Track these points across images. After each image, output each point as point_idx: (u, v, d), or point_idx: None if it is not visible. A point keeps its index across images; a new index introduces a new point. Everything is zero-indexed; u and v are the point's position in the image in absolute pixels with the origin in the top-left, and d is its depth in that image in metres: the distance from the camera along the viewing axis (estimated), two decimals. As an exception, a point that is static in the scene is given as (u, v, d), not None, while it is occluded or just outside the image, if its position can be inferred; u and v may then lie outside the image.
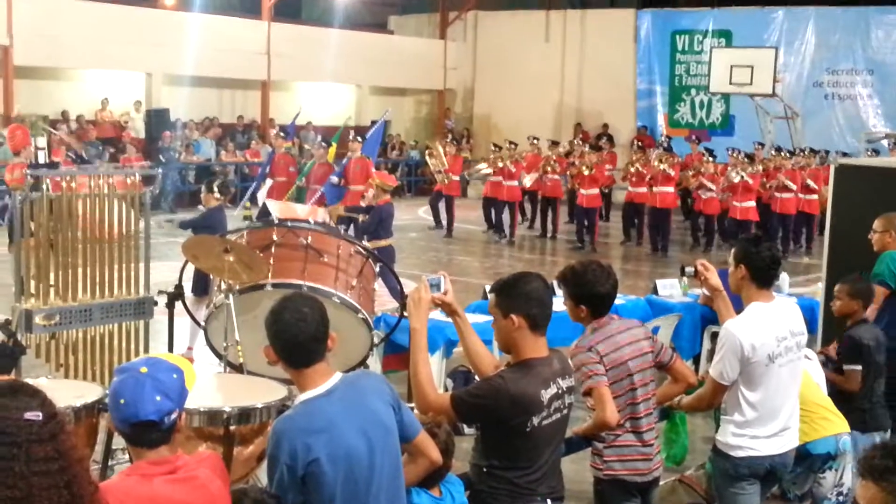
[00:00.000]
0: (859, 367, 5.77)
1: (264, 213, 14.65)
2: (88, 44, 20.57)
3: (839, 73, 23.74)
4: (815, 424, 5.10)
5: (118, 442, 4.62)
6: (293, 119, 19.56)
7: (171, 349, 6.85)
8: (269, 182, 16.37)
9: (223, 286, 6.08)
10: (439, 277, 4.05)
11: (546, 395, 3.73)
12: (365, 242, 9.59)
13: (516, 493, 3.78)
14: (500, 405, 3.68)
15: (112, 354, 6.87)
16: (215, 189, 9.44)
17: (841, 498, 5.22)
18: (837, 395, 5.69)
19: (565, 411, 3.87)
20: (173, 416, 2.88)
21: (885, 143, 19.14)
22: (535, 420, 3.70)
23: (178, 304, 6.82)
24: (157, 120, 22.53)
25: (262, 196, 16.33)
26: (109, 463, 5.10)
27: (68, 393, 4.56)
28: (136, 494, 2.81)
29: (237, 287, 5.94)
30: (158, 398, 2.85)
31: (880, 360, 5.86)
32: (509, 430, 3.71)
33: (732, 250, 4.72)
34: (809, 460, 5.10)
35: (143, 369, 2.87)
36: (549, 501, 3.84)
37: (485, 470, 3.81)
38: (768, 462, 4.60)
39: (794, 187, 17.72)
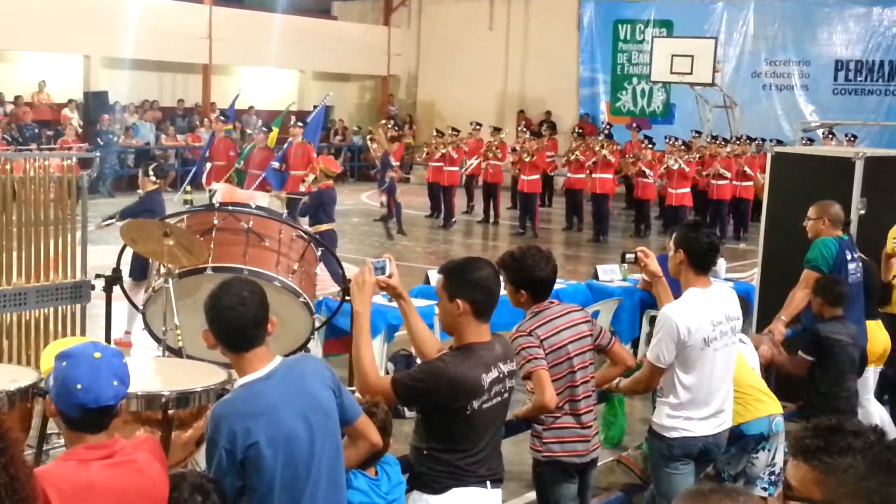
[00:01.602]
0: (811, 359, 5.95)
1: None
2: (25, 25, 20.14)
3: (777, 64, 24.08)
4: (748, 406, 5.20)
5: (52, 427, 4.57)
6: (232, 102, 19.37)
7: (108, 333, 6.77)
8: (209, 166, 16.23)
9: (162, 270, 6.02)
10: (384, 260, 4.04)
11: (487, 379, 3.74)
12: (306, 226, 9.57)
13: (456, 476, 3.79)
14: (439, 388, 3.69)
15: (47, 339, 6.77)
16: (151, 173, 9.34)
17: (773, 477, 5.34)
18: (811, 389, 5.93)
19: (506, 395, 3.89)
20: (122, 400, 2.92)
21: (819, 132, 19.49)
22: (476, 404, 3.72)
23: (116, 288, 6.74)
24: (96, 103, 22.16)
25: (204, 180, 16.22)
26: (44, 448, 5.04)
27: (2, 377, 4.48)
28: (72, 480, 2.79)
29: (177, 271, 5.89)
30: (115, 383, 2.87)
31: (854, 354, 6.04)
32: (449, 414, 3.73)
33: (672, 235, 4.80)
34: (743, 441, 5.20)
35: (97, 354, 2.88)
36: (488, 483, 3.87)
37: (425, 452, 3.82)
38: (702, 443, 4.69)
39: (729, 175, 18.05)
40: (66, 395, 2.83)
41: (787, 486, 2.32)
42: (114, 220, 9.34)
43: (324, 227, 10.75)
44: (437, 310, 3.90)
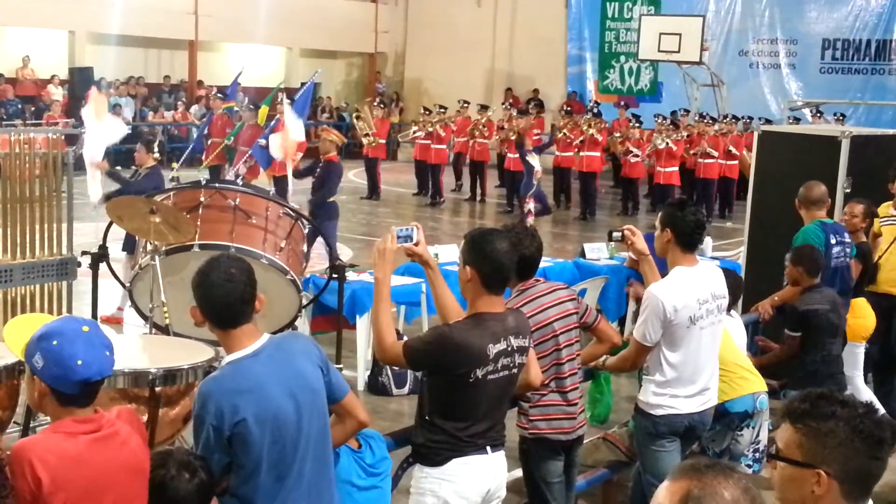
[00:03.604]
0: (798, 335, 5.97)
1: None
2: (10, 0, 19.96)
3: (764, 43, 24.08)
4: (733, 384, 5.23)
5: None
6: (234, 80, 19.24)
7: (94, 310, 6.76)
8: (208, 143, 16.21)
9: (149, 247, 6.01)
10: (411, 228, 4.04)
11: (493, 349, 3.76)
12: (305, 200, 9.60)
13: (455, 447, 3.82)
14: (445, 352, 3.73)
15: (34, 316, 6.74)
16: (155, 148, 9.25)
17: (757, 454, 5.38)
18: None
19: (514, 370, 3.91)
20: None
21: (805, 111, 19.51)
22: (479, 372, 3.74)
23: (103, 265, 6.72)
24: (81, 79, 22.00)
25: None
26: (31, 425, 5.04)
27: (-12, 354, 4.47)
28: (59, 452, 2.79)
29: (163, 248, 5.87)
30: (108, 353, 2.91)
31: (834, 320, 6.07)
32: (453, 380, 3.75)
33: (659, 214, 4.81)
34: (728, 418, 5.24)
35: (85, 328, 2.89)
36: (489, 449, 3.90)
37: (427, 418, 3.85)
38: (687, 420, 4.72)
39: (716, 154, 18.09)
40: (67, 373, 2.82)
41: (776, 448, 2.39)
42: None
43: (329, 199, 10.74)
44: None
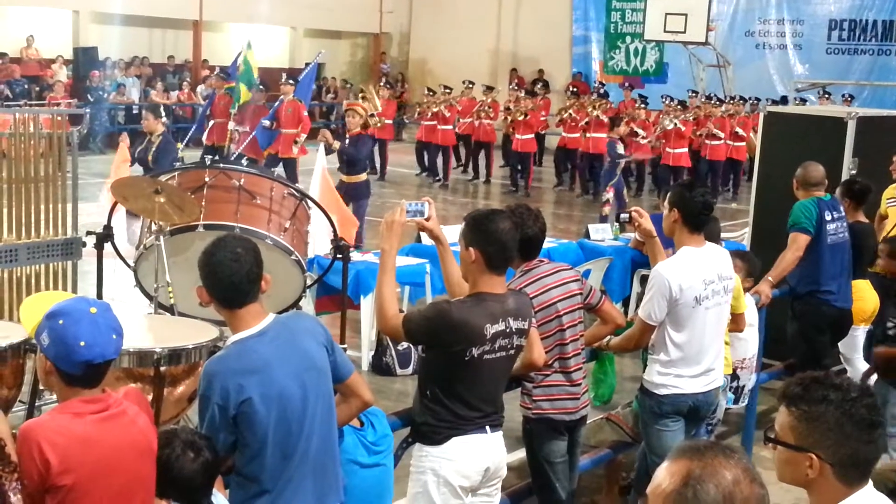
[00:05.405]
0: None
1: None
2: (12, -21, 19.95)
3: (770, 23, 23.97)
4: None
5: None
6: (234, 60, 19.18)
7: (100, 290, 6.77)
8: (210, 123, 16.18)
9: (153, 227, 6.01)
10: (422, 203, 4.05)
11: (491, 329, 3.77)
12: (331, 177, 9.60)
13: (455, 426, 3.84)
14: (442, 328, 3.74)
15: (39, 296, 6.75)
16: (161, 113, 9.17)
17: (710, 428, 5.39)
18: None
19: (512, 352, 3.92)
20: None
21: (810, 94, 19.43)
22: (475, 351, 3.75)
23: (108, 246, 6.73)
24: (85, 59, 21.97)
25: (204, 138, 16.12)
26: (36, 404, 5.06)
27: (-6, 333, 4.49)
28: (67, 433, 2.79)
29: (168, 228, 5.88)
30: (114, 336, 2.89)
31: None
32: (449, 357, 3.77)
33: (667, 194, 4.81)
34: None
35: (93, 309, 2.87)
36: (488, 428, 3.92)
37: (428, 394, 3.87)
38: (692, 400, 4.74)
39: (723, 135, 18.03)
40: (70, 353, 2.81)
41: (773, 430, 2.41)
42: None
43: (362, 176, 10.70)
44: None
